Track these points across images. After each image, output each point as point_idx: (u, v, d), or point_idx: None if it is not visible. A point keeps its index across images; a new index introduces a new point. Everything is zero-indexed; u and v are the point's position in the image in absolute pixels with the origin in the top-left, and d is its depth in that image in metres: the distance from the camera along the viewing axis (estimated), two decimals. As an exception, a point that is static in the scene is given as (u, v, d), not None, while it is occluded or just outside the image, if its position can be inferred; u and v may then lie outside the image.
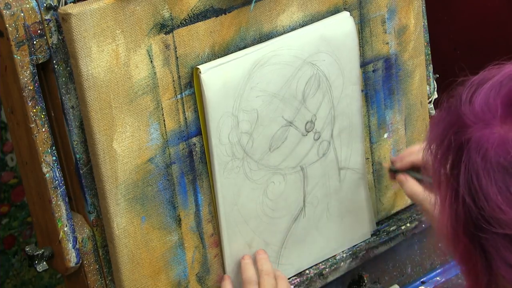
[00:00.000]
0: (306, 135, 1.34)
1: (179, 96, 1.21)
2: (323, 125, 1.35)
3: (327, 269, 1.43)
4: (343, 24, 1.33)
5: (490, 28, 2.14)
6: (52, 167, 1.16)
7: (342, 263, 1.45)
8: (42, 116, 1.14)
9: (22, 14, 1.09)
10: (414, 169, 1.33)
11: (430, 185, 1.22)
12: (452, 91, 0.89)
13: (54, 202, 1.17)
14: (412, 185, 1.32)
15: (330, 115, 1.36)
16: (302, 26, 1.31)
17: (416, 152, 1.33)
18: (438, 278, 1.56)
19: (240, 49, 1.25)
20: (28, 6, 1.09)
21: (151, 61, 1.17)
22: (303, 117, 1.33)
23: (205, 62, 1.22)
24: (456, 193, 0.84)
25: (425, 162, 1.20)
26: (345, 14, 1.34)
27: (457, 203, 0.84)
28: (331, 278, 1.44)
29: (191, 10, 1.19)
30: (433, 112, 1.56)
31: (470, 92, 0.86)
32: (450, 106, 0.87)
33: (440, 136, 0.87)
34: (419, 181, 1.32)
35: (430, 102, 1.56)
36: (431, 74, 1.55)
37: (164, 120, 1.21)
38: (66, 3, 1.11)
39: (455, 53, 2.17)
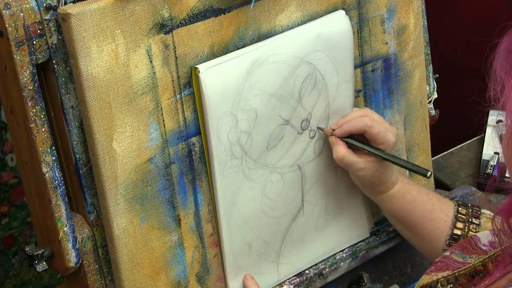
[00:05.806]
0: (302, 133, 1.34)
1: (178, 96, 1.22)
2: (318, 123, 1.35)
3: (327, 269, 1.43)
4: (338, 23, 1.33)
5: (490, 28, 2.14)
6: (52, 167, 1.16)
7: (342, 263, 1.45)
8: (42, 116, 1.14)
9: (21, 14, 1.09)
10: (351, 137, 1.36)
11: (365, 152, 1.33)
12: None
13: (54, 202, 1.17)
14: (341, 148, 1.35)
15: (325, 113, 1.36)
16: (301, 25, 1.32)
17: (353, 119, 1.35)
18: (438, 278, 1.56)
19: (239, 49, 1.25)
20: (27, 6, 1.09)
21: (151, 61, 1.17)
22: (299, 116, 1.33)
23: (204, 62, 1.22)
24: None
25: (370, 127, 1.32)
26: (341, 13, 1.34)
27: None
28: (331, 278, 1.44)
29: (190, 10, 1.19)
30: (432, 112, 1.56)
31: None
32: None
33: None
34: (353, 148, 1.35)
35: (430, 102, 1.55)
36: (431, 74, 1.55)
37: (163, 120, 1.21)
38: (65, 3, 1.11)
39: (455, 53, 2.18)
